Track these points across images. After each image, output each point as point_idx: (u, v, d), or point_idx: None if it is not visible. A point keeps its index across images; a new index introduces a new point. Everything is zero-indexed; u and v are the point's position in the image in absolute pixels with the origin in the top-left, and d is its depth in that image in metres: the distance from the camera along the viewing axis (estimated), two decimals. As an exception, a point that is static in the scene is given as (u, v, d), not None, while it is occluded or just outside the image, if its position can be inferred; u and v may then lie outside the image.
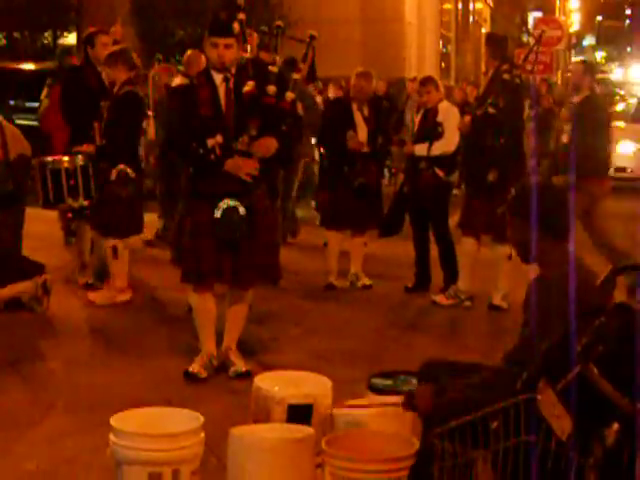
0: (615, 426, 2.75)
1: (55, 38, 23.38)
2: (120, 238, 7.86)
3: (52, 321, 7.46)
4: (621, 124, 20.09)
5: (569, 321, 3.10)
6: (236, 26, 5.89)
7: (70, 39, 24.15)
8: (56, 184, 7.70)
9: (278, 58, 6.35)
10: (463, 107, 11.97)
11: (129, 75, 7.77)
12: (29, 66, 15.86)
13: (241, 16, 6.08)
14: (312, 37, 6.97)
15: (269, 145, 5.93)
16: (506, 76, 7.80)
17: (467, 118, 8.01)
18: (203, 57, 8.16)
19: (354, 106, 8.60)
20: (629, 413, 2.72)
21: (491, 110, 7.68)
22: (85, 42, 8.32)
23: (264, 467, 3.82)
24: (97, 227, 8.01)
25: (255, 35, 8.00)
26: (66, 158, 7.79)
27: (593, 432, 2.80)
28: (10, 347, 6.71)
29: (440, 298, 8.14)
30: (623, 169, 17.01)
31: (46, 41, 23.02)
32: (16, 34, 22.88)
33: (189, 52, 8.61)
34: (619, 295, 3.44)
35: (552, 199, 3.79)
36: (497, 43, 8.18)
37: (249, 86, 5.90)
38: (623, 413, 2.73)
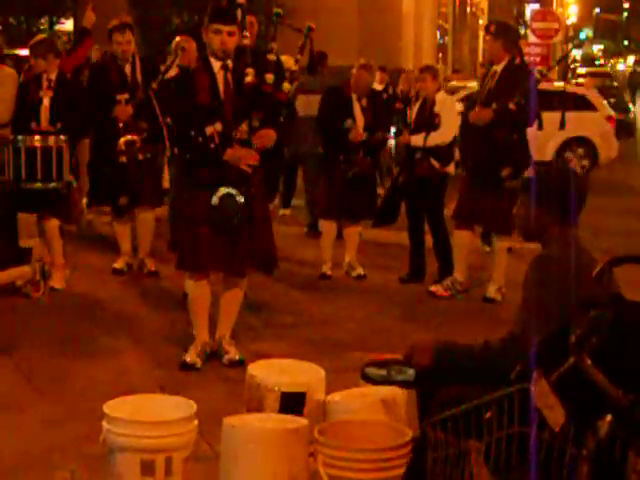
0: (608, 417, 2.75)
1: (52, 24, 23.35)
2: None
3: (46, 307, 7.45)
4: None
5: (565, 310, 3.10)
6: (238, 13, 5.87)
7: (67, 25, 24.12)
8: (29, 163, 7.64)
9: (275, 46, 6.31)
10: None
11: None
12: (25, 52, 15.80)
13: (241, 0, 6.05)
14: (310, 29, 6.94)
15: (271, 136, 5.91)
16: (526, 71, 7.75)
17: (487, 112, 7.65)
18: (194, 44, 8.18)
19: (354, 96, 8.59)
20: (623, 404, 2.72)
21: (512, 106, 7.56)
22: (108, 36, 8.36)
23: (257, 457, 3.82)
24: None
25: (255, 24, 7.98)
26: (38, 137, 7.74)
27: (586, 423, 2.80)
28: (3, 333, 6.70)
29: (437, 289, 8.13)
30: None
31: (42, 27, 22.99)
32: (12, 20, 22.84)
33: (178, 39, 8.55)
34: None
35: (566, 182, 3.79)
36: (510, 34, 8.02)
37: (250, 75, 5.87)
38: (617, 404, 2.73)
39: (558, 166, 4.19)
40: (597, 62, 65.21)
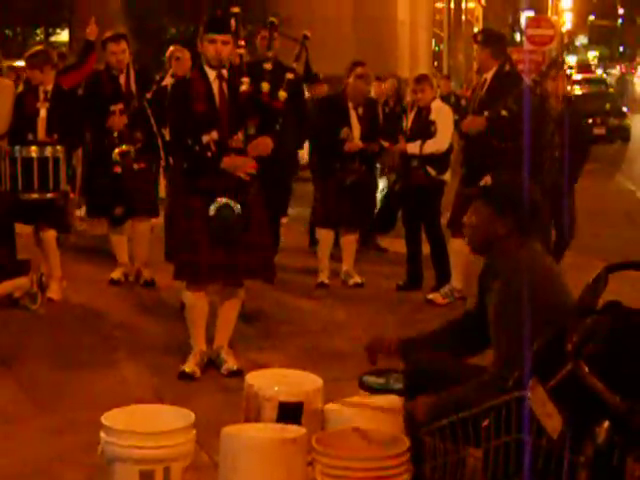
0: (606, 424, 2.76)
1: (47, 35, 23.37)
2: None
3: (43, 318, 7.45)
4: None
5: (560, 320, 3.11)
6: (232, 22, 5.89)
7: (62, 36, 24.16)
8: (26, 173, 7.64)
9: (271, 55, 6.33)
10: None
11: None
12: (21, 63, 15.81)
13: (236, 9, 6.07)
14: (305, 37, 6.95)
15: (267, 144, 5.92)
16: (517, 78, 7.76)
17: (480, 120, 7.68)
18: (187, 53, 8.21)
19: (350, 105, 8.59)
20: (620, 411, 2.73)
21: (504, 113, 7.56)
22: (102, 46, 8.37)
23: (256, 467, 3.81)
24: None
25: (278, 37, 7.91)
26: (34, 147, 7.74)
27: (584, 430, 2.80)
28: (1, 345, 6.69)
29: (435, 297, 8.13)
30: None
31: (38, 38, 23.02)
32: (8, 31, 22.86)
33: (172, 48, 8.55)
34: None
35: (523, 192, 3.81)
36: (498, 41, 8.00)
37: (245, 84, 5.88)
38: (614, 411, 2.73)
39: (513, 176, 4.19)
40: (611, 71, 65.02)
